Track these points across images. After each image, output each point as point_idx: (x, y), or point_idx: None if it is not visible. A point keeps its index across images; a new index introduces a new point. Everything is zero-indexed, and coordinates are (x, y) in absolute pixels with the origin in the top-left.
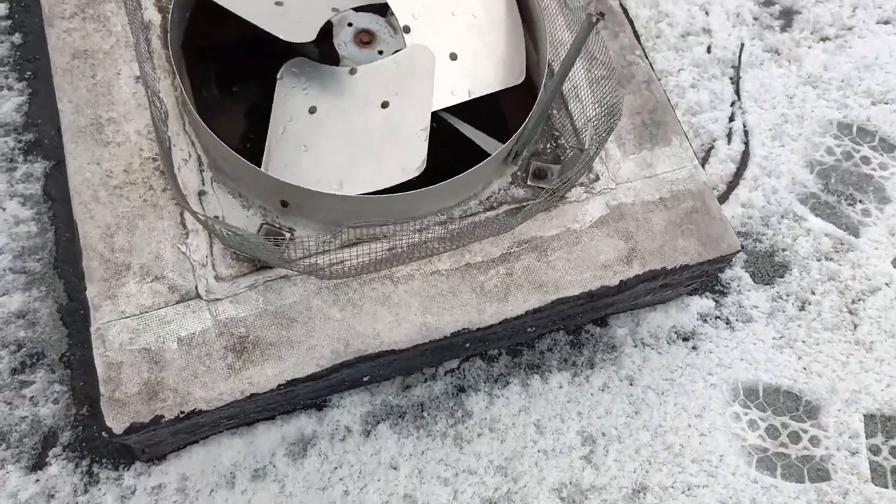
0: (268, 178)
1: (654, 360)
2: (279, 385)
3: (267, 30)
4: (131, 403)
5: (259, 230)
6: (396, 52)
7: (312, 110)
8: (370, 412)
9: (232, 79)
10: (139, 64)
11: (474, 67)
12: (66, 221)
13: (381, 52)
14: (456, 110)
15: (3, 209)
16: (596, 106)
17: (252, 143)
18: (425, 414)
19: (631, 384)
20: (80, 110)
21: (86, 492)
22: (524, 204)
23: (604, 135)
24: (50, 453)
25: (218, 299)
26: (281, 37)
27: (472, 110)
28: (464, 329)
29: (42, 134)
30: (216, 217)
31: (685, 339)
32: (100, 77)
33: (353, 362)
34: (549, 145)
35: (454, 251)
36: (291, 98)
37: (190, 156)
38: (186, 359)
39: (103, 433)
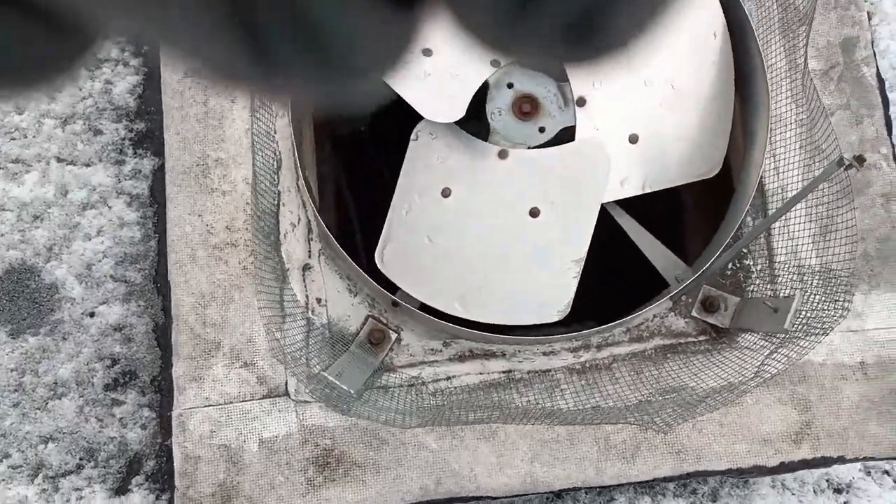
0: (384, 294)
1: None
2: None
3: (406, 100)
4: None
5: (364, 323)
6: (562, 131)
7: (446, 193)
8: None
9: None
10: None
11: (656, 153)
12: None
13: (542, 130)
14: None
15: (110, 207)
16: (818, 268)
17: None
18: None
19: None
20: (186, 146)
21: None
22: (681, 341)
23: (820, 326)
24: (133, 481)
25: (307, 402)
26: (423, 114)
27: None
28: (575, 488)
29: (154, 124)
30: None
31: (837, 491)
32: (212, 105)
33: (442, 502)
34: (730, 264)
35: (581, 391)
36: (424, 169)
37: (299, 220)
38: (266, 465)
39: None
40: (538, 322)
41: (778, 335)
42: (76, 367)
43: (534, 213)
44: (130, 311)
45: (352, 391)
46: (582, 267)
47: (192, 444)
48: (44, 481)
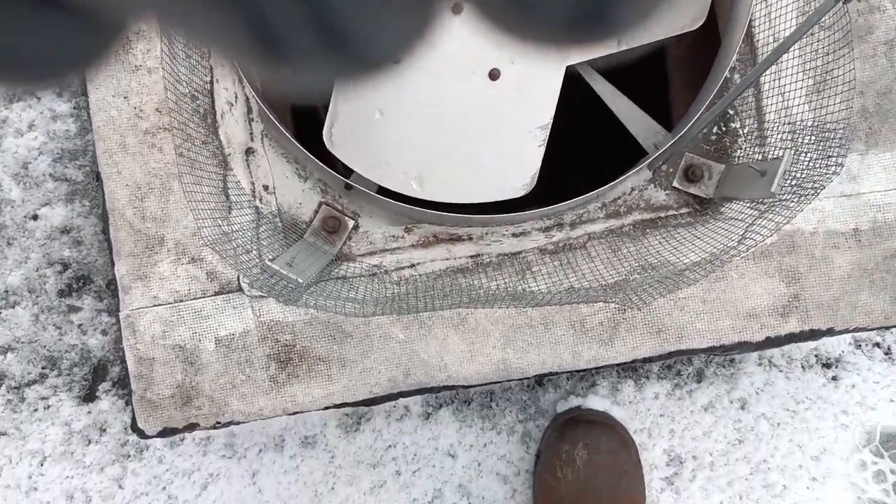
0: (337, 179)
1: (779, 385)
2: (326, 407)
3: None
4: (164, 407)
5: (317, 210)
6: None
7: (395, 59)
8: (433, 394)
9: None
10: None
11: None
12: None
13: None
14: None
15: (38, 98)
16: (811, 126)
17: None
18: (493, 405)
19: (742, 408)
20: None
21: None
22: (661, 215)
23: (811, 186)
24: (100, 387)
25: (262, 297)
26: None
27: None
28: (550, 373)
29: None
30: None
31: (826, 366)
32: None
33: (412, 393)
34: (715, 128)
35: (554, 272)
36: None
37: (236, 98)
38: (225, 364)
39: (134, 432)
40: (502, 198)
41: (766, 201)
42: (26, 274)
43: (493, 74)
44: (75, 211)
45: (300, 280)
46: (548, 134)
47: (145, 345)
48: (8, 392)
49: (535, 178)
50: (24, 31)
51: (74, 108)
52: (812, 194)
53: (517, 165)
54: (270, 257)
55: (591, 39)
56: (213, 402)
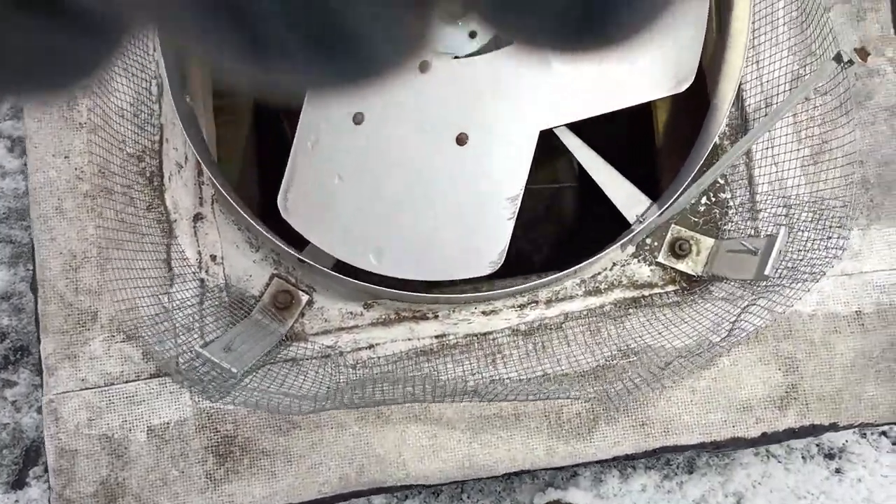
0: (291, 255)
1: (778, 477)
2: None
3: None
4: None
5: (268, 284)
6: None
7: (358, 119)
8: None
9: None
10: None
11: (616, 67)
12: None
13: (473, 35)
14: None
15: None
16: (808, 200)
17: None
18: (464, 496)
19: (738, 503)
20: None
21: None
22: (645, 293)
23: (809, 271)
24: (31, 472)
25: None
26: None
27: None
28: (522, 471)
29: None
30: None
31: (829, 457)
32: None
33: (365, 493)
34: (704, 198)
35: (527, 356)
36: (331, 100)
37: (186, 160)
38: (156, 457)
39: None
40: (466, 276)
41: (759, 283)
42: None
43: (461, 139)
44: (18, 276)
45: (234, 370)
46: (518, 206)
47: (67, 435)
48: None
49: (504, 255)
50: (21, 38)
51: (25, 165)
52: (811, 280)
53: (484, 240)
54: (201, 343)
55: (589, 42)
56: (140, 502)
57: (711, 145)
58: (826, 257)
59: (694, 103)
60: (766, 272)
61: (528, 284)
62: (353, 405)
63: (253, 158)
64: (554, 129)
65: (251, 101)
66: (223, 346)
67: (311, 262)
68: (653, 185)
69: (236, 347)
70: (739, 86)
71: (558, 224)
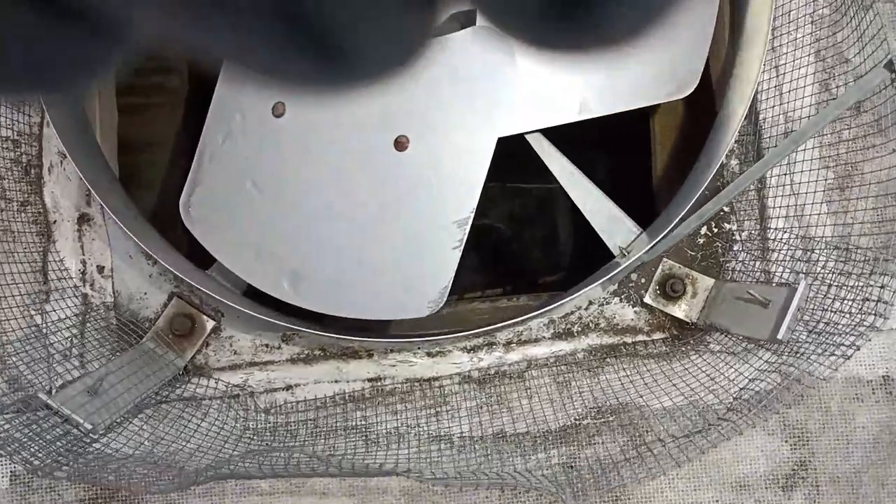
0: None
1: None
2: None
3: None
4: None
5: (166, 305)
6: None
7: (278, 111)
8: None
9: None
10: None
11: (604, 68)
12: None
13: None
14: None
15: None
16: (833, 239)
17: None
18: None
19: None
20: None
21: None
22: (627, 340)
23: (832, 342)
24: None
25: (55, 428)
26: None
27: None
28: None
29: None
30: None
31: None
32: None
33: None
34: (704, 228)
35: (480, 409)
36: (247, 82)
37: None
38: None
39: None
40: (396, 317)
41: (768, 344)
42: None
43: (400, 143)
44: None
45: (88, 426)
46: (467, 232)
47: None
48: None
49: (446, 294)
50: (28, 37)
51: None
52: (840, 356)
53: (423, 274)
54: (52, 386)
55: (576, 38)
56: None
57: (717, 165)
58: (859, 326)
59: (698, 113)
60: (780, 336)
61: (482, 329)
62: (263, 474)
63: (187, 146)
64: (525, 136)
65: (189, 80)
66: (87, 387)
67: (220, 282)
68: (648, 205)
69: (107, 389)
70: (754, 95)
71: (544, 228)
